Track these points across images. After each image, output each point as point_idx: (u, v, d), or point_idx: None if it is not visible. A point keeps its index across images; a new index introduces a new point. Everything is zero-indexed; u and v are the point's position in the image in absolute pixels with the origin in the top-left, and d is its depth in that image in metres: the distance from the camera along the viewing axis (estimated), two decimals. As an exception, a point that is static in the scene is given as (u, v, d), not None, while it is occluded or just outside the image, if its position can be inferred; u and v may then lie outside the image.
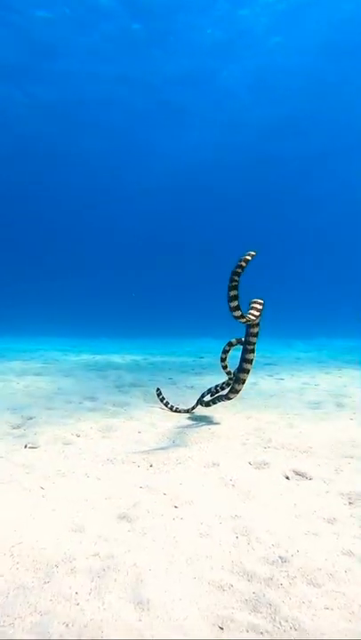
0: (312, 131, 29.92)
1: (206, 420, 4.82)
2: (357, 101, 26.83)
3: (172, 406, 5.20)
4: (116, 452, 3.63)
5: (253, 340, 3.94)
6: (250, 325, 3.89)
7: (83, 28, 21.53)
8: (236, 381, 4.23)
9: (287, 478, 3.07)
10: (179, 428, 4.49)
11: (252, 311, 3.69)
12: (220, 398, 4.81)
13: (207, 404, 5.00)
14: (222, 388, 4.94)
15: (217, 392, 5.00)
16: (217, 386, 5.02)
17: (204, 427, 4.53)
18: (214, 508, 2.49)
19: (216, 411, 5.32)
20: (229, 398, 4.51)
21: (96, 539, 2.17)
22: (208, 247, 45.56)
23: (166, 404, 5.12)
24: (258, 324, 3.89)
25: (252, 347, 3.98)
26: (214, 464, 3.34)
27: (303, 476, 3.07)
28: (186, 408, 5.29)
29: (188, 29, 22.42)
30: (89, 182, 37.26)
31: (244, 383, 4.21)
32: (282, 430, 4.34)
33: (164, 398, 5.11)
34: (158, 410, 5.34)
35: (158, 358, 12.34)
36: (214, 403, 4.95)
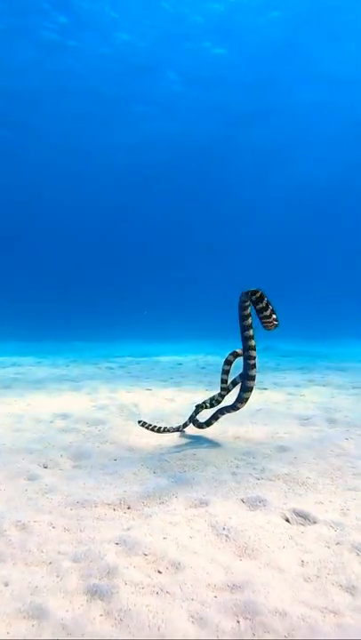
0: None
1: (190, 442, 4.37)
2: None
3: (159, 428, 4.68)
4: (89, 488, 3.15)
5: (253, 343, 3.58)
6: (245, 327, 3.55)
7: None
8: (243, 390, 3.80)
9: (287, 521, 2.64)
10: (159, 453, 4.03)
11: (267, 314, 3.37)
12: (224, 411, 4.31)
13: (208, 424, 4.51)
14: (217, 401, 4.42)
15: (211, 406, 4.47)
16: (208, 401, 4.48)
17: (187, 450, 4.08)
18: (207, 573, 2.04)
19: (198, 430, 4.88)
20: (237, 408, 4.04)
21: (59, 631, 1.70)
22: (181, 247, 45.24)
23: (153, 429, 4.61)
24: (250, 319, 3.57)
25: (253, 352, 3.62)
26: (202, 503, 2.89)
27: (306, 518, 2.64)
28: (175, 427, 4.80)
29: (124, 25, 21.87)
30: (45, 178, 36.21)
31: (251, 391, 3.80)
32: (274, 455, 3.92)
33: (149, 425, 4.62)
34: (135, 429, 4.87)
35: (135, 365, 11.86)
36: (216, 419, 4.47)
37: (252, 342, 3.62)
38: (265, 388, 7.73)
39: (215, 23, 21.13)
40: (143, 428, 4.75)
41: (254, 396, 6.73)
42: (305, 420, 5.35)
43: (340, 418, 5.40)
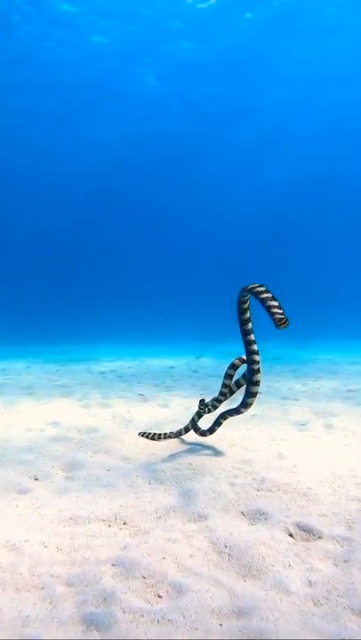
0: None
1: (185, 450, 4.24)
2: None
3: (160, 435, 4.51)
4: (82, 502, 3.01)
5: (255, 347, 3.45)
6: (246, 329, 3.41)
7: None
8: (248, 395, 3.67)
9: (291, 536, 2.53)
10: (153, 461, 3.90)
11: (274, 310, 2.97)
12: (226, 415, 4.13)
13: (211, 431, 4.33)
14: (214, 406, 4.27)
15: (214, 408, 4.30)
16: (211, 403, 4.26)
17: (183, 459, 3.95)
18: (210, 597, 1.91)
19: (194, 437, 4.76)
20: (240, 412, 3.87)
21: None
22: (180, 251, 45.17)
23: (154, 437, 4.44)
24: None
25: (257, 357, 3.49)
26: (201, 517, 2.77)
27: (310, 533, 2.53)
28: (175, 431, 4.61)
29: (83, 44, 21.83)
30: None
31: (255, 396, 3.67)
32: (272, 463, 3.81)
33: (150, 434, 4.48)
34: (129, 437, 4.74)
35: (127, 369, 11.71)
36: (219, 424, 4.28)
37: (255, 347, 3.50)
38: (259, 392, 7.62)
39: (192, 22, 20.98)
40: (135, 436, 4.63)
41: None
42: (301, 426, 5.25)
43: (337, 423, 5.31)
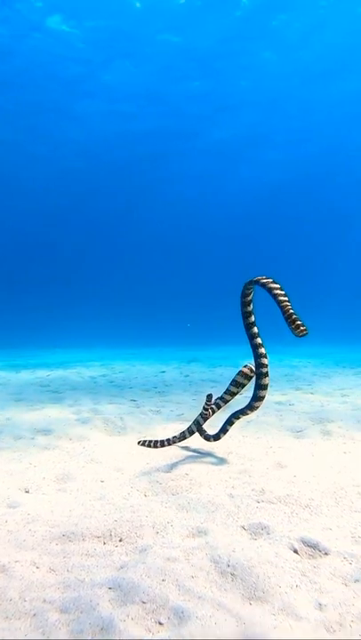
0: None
1: (180, 459, 4.11)
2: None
3: (162, 442, 4.33)
4: (75, 516, 2.87)
5: (263, 350, 3.34)
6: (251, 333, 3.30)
7: None
8: (255, 399, 3.58)
9: (296, 552, 2.41)
10: (148, 472, 3.76)
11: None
12: (233, 419, 3.98)
13: (216, 438, 4.17)
14: (213, 410, 4.12)
15: (218, 407, 4.15)
16: (215, 404, 4.08)
17: (179, 469, 3.82)
18: (215, 623, 1.79)
19: (190, 444, 4.64)
20: (247, 414, 3.80)
21: None
22: (163, 255, 45.05)
23: (156, 445, 4.25)
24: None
25: (265, 360, 3.37)
26: (200, 532, 2.64)
27: (316, 549, 2.42)
28: (178, 435, 4.29)
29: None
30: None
31: (263, 399, 3.61)
32: (272, 473, 3.69)
33: (150, 442, 4.31)
34: (121, 445, 4.60)
35: (118, 373, 11.57)
36: (226, 431, 4.13)
37: (263, 350, 3.39)
38: (247, 396, 7.53)
39: (168, 16, 20.87)
40: (128, 444, 4.50)
41: (240, 406, 6.52)
42: (298, 433, 5.15)
43: (334, 429, 5.21)
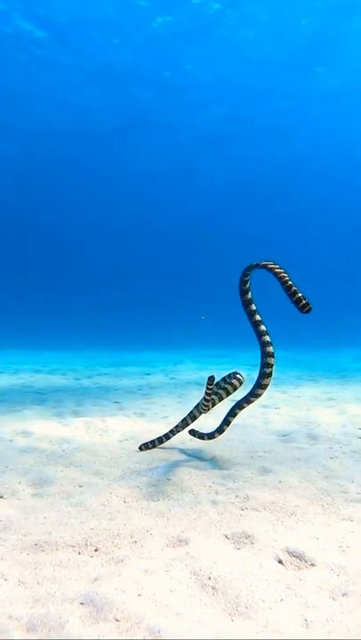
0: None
1: (162, 462, 3.97)
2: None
3: (161, 438, 4.33)
4: (50, 524, 2.72)
5: (270, 349, 3.20)
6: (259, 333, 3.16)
7: None
8: (251, 394, 3.51)
9: (281, 563, 2.29)
10: (129, 476, 3.62)
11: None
12: (237, 410, 3.82)
13: (220, 431, 4.04)
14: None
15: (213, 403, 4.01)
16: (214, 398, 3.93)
17: (160, 473, 3.69)
18: (194, 643, 1.66)
19: (175, 445, 4.51)
20: (251, 401, 3.64)
21: None
22: (149, 255, 44.93)
23: (154, 444, 4.30)
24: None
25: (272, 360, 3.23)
26: (181, 541, 2.51)
27: (302, 560, 2.30)
28: (180, 423, 4.21)
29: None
30: None
31: (259, 396, 3.52)
32: (256, 478, 3.57)
33: (151, 443, 4.24)
34: (103, 448, 4.46)
35: (104, 375, 11.41)
36: (228, 423, 3.97)
37: (270, 348, 3.24)
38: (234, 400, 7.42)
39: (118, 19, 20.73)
40: (109, 448, 4.37)
41: (226, 409, 6.41)
42: (284, 437, 5.04)
43: (321, 433, 5.11)
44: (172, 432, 4.27)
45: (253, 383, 3.55)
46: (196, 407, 4.04)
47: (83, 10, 20.28)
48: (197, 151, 31.82)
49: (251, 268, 3.21)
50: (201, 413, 4.02)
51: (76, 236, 43.31)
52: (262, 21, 21.52)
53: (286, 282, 2.75)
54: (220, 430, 4.08)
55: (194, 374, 11.49)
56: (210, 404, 3.79)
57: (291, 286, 2.69)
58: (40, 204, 38.53)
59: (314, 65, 24.11)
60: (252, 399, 3.61)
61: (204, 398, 3.76)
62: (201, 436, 4.24)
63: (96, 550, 2.40)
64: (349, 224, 42.10)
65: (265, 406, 6.87)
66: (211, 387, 3.62)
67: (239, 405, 3.79)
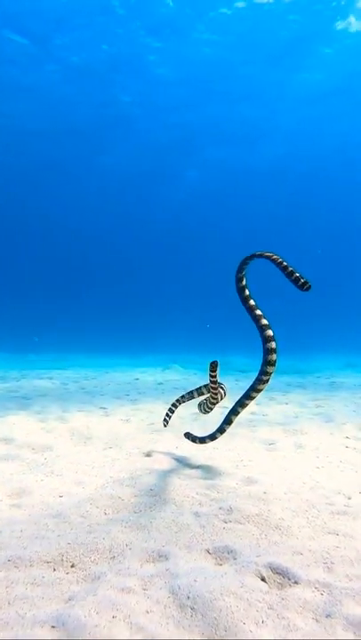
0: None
1: (146, 472, 3.88)
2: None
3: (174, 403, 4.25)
4: (25, 537, 2.63)
5: (273, 357, 3.04)
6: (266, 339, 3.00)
7: None
8: (263, 373, 3.27)
9: (264, 580, 2.21)
10: (111, 486, 3.53)
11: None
12: (236, 411, 3.50)
13: (221, 431, 3.72)
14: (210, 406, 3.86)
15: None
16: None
17: (143, 483, 3.59)
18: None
19: (158, 453, 4.42)
20: (258, 390, 3.30)
21: None
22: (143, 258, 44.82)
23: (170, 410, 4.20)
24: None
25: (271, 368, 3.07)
26: (161, 556, 2.43)
27: (285, 577, 2.22)
28: (186, 394, 4.15)
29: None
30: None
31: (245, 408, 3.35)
32: (241, 489, 3.49)
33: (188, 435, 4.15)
34: (85, 457, 4.36)
35: (91, 379, 11.29)
36: (230, 423, 3.62)
37: (273, 357, 3.01)
38: (225, 407, 7.34)
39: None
40: (93, 456, 4.28)
41: (215, 416, 6.33)
42: (270, 445, 4.97)
43: (307, 442, 5.05)
44: (179, 401, 4.17)
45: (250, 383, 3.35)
46: (203, 385, 3.89)
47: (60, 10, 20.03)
48: (173, 154, 31.79)
49: (245, 262, 3.15)
50: (187, 434, 4.07)
51: (59, 237, 43.06)
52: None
53: (282, 263, 2.80)
54: (221, 430, 3.75)
55: (183, 380, 11.41)
56: (218, 396, 3.60)
57: (287, 267, 2.75)
58: (13, 206, 38.29)
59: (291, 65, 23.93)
60: (255, 394, 3.38)
61: (210, 387, 3.51)
62: (202, 440, 3.96)
63: (72, 566, 2.31)
64: (336, 225, 42.31)
65: (253, 413, 6.80)
66: (215, 374, 3.35)
67: (241, 403, 3.56)
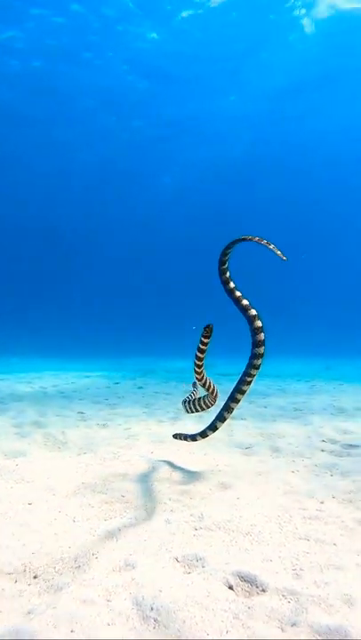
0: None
1: (119, 478, 3.81)
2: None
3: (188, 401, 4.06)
4: (-10, 547, 2.55)
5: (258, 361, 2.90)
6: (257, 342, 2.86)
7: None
8: (218, 417, 3.28)
9: (231, 589, 2.17)
10: (82, 492, 3.46)
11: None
12: (229, 407, 3.39)
13: (213, 428, 3.67)
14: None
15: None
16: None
17: (115, 489, 3.53)
18: None
19: (133, 457, 4.36)
20: (252, 375, 3.06)
21: None
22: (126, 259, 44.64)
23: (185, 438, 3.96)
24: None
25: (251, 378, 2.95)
26: (128, 565, 2.37)
27: (253, 585, 2.18)
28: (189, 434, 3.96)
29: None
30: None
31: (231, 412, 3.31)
32: (214, 495, 3.45)
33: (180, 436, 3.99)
34: (59, 463, 4.28)
35: (70, 384, 11.17)
36: (224, 420, 3.58)
37: (258, 361, 2.84)
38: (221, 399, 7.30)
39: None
40: (66, 462, 4.20)
41: (192, 420, 6.29)
42: (247, 449, 4.94)
43: (284, 445, 5.03)
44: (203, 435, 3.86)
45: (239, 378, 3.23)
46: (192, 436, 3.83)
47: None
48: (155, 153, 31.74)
49: (225, 253, 2.99)
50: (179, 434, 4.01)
51: (42, 241, 42.73)
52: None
53: (261, 240, 2.72)
54: (212, 427, 3.68)
55: (164, 384, 11.34)
56: (202, 370, 3.41)
57: (269, 243, 2.69)
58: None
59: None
60: (245, 387, 3.26)
61: (197, 357, 3.26)
62: (193, 437, 3.82)
63: (35, 577, 2.24)
64: (319, 226, 42.59)
65: (231, 418, 6.76)
66: (206, 342, 3.04)
67: (228, 407, 3.41)
